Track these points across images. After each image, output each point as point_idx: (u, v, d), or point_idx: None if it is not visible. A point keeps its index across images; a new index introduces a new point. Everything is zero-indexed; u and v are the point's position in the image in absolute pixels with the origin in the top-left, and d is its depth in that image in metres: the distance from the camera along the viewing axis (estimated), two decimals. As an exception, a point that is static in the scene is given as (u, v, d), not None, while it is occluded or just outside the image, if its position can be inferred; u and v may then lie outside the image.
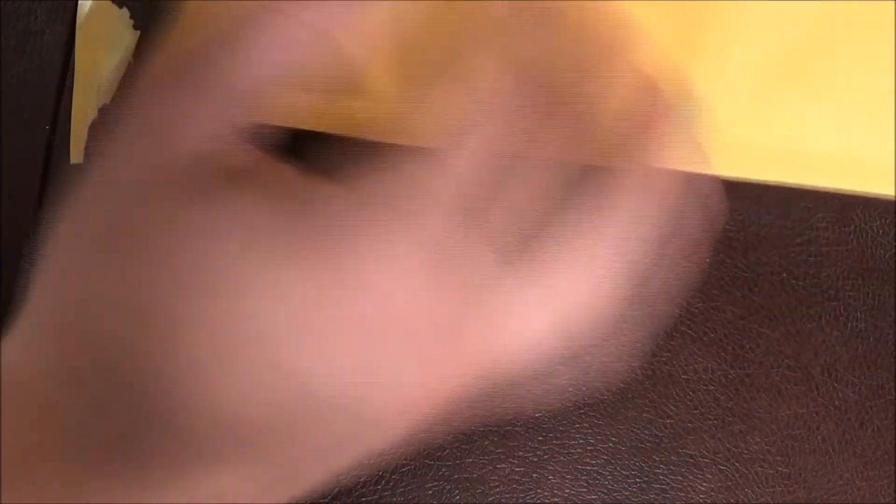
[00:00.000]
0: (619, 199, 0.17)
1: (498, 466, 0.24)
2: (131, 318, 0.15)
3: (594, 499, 0.23)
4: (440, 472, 0.24)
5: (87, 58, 0.27)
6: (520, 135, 0.17)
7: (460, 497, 0.23)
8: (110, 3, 0.28)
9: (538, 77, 0.17)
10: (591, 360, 0.25)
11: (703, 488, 0.23)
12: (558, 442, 0.24)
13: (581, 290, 0.17)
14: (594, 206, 0.17)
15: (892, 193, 0.17)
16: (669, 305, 0.25)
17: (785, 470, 0.24)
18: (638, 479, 0.24)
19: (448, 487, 0.23)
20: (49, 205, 0.26)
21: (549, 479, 0.23)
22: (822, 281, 0.26)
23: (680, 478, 0.24)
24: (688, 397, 0.24)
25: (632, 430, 0.24)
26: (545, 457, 0.24)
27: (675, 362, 0.24)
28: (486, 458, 0.24)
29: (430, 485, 0.23)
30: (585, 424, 0.24)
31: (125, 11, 0.28)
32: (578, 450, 0.24)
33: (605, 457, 0.24)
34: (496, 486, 0.23)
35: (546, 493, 0.23)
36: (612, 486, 0.23)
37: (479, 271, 0.16)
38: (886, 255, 0.26)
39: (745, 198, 0.24)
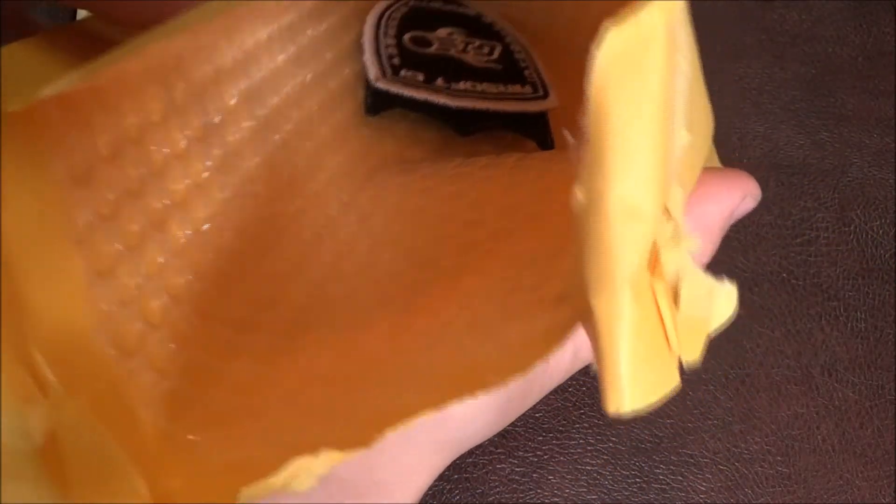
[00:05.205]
0: None
1: (498, 466, 0.24)
2: None
3: (594, 499, 0.23)
4: (440, 472, 0.24)
5: (86, 58, 0.27)
6: None
7: (460, 497, 0.23)
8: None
9: None
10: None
11: (703, 488, 0.23)
12: (558, 442, 0.24)
13: None
14: None
15: None
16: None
17: (785, 470, 0.24)
18: (638, 479, 0.24)
19: (448, 487, 0.23)
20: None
21: (549, 479, 0.23)
22: (822, 281, 0.26)
23: (680, 478, 0.24)
24: (688, 397, 0.24)
25: (632, 430, 0.24)
26: (545, 457, 0.24)
27: (675, 362, 0.24)
28: (486, 458, 0.24)
29: (430, 484, 0.23)
30: (585, 424, 0.24)
31: (125, 11, 0.28)
32: (578, 450, 0.24)
33: (605, 457, 0.24)
34: (496, 486, 0.23)
35: (546, 493, 0.23)
36: (612, 486, 0.23)
37: None
38: (886, 255, 0.26)
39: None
